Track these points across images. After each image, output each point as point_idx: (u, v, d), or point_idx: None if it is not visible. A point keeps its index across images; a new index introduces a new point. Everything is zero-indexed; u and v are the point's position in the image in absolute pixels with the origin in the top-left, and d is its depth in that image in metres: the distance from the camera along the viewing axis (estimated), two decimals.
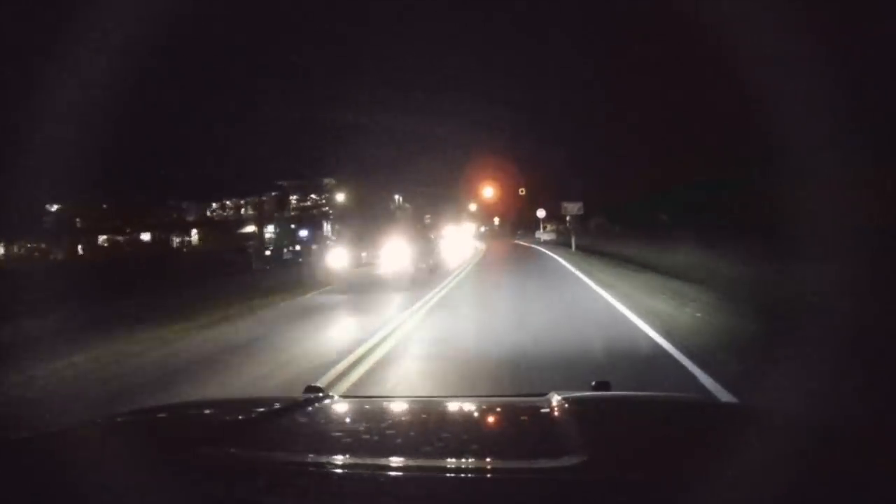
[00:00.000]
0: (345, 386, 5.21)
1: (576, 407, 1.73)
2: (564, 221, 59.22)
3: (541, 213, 43.88)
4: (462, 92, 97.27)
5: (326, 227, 67.84)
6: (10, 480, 1.20)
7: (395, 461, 1.30)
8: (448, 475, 1.22)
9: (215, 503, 1.11)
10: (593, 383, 2.11)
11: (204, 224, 61.95)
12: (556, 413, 1.68)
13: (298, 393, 2.18)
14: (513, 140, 65.70)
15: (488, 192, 62.08)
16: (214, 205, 64.35)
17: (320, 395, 2.10)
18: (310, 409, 1.88)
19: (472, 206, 73.71)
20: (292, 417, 1.81)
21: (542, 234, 44.78)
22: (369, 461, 1.30)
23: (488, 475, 1.23)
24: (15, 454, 1.39)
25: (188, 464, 1.27)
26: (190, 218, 62.75)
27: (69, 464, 1.28)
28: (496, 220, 74.09)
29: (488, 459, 1.34)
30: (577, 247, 25.90)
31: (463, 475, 1.22)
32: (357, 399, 2.71)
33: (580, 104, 38.70)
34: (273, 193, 66.16)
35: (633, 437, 1.52)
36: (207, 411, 2.09)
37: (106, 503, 1.09)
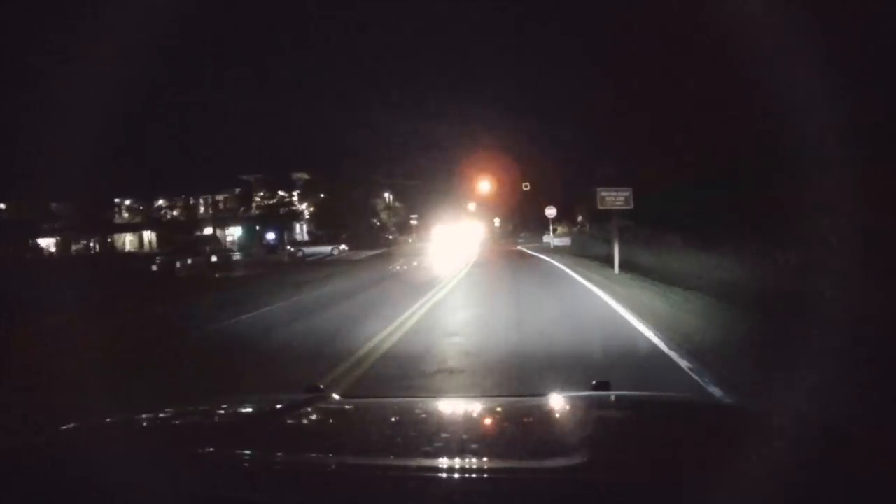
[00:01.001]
0: None
1: (576, 407, 1.72)
2: (575, 222, 49.71)
3: (550, 212, 34.20)
4: (458, 76, 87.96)
5: (297, 227, 59.10)
6: (11, 481, 1.20)
7: (395, 461, 1.30)
8: (448, 475, 1.19)
9: (216, 503, 1.10)
10: (594, 383, 2.07)
11: (149, 225, 52.67)
12: (556, 413, 1.68)
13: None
14: (514, 128, 56.41)
15: (486, 186, 52.72)
16: (165, 202, 54.87)
17: (320, 395, 2.08)
18: (309, 409, 1.88)
19: (471, 206, 64.17)
20: (292, 417, 1.80)
21: (553, 239, 34.62)
22: (369, 461, 1.29)
23: (489, 475, 1.20)
24: (15, 452, 1.38)
25: (188, 464, 1.25)
26: (129, 217, 53.61)
27: (70, 464, 1.26)
28: (496, 221, 64.22)
29: (489, 459, 1.31)
30: (622, 265, 15.50)
31: (463, 475, 1.19)
32: (357, 399, 2.57)
33: (588, 84, 31.34)
34: (236, 190, 56.75)
35: (633, 437, 1.52)
36: (208, 411, 1.99)
37: (106, 502, 1.10)
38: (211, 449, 1.35)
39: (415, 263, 24.95)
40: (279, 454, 1.35)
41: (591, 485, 1.09)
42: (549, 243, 33.95)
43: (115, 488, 1.09)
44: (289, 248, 41.49)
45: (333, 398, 2.12)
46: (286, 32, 77.28)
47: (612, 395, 2.06)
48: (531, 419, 1.72)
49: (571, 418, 1.61)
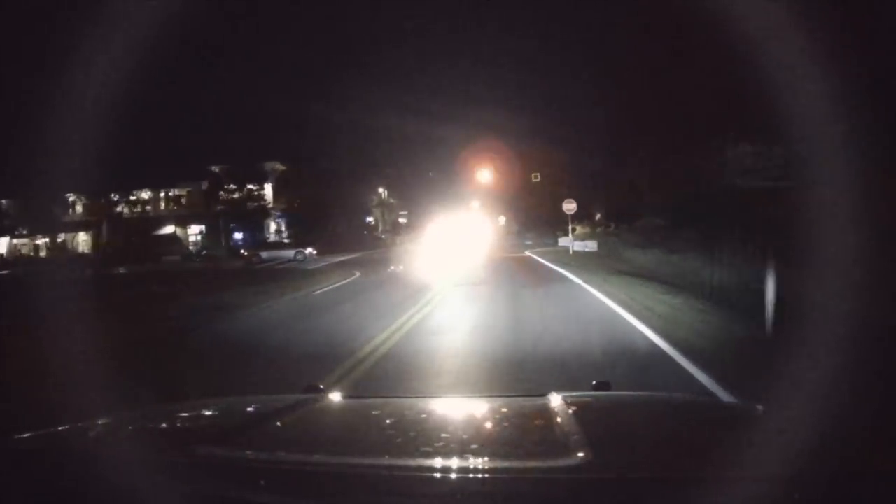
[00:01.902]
0: None
1: (576, 407, 1.69)
2: (594, 220, 41.60)
3: (569, 207, 26.43)
4: (457, 50, 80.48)
5: (272, 225, 51.52)
6: (10, 479, 1.19)
7: (395, 461, 1.29)
8: (448, 475, 1.17)
9: (215, 503, 1.10)
10: (594, 383, 2.09)
11: (103, 223, 45.19)
12: (556, 413, 1.64)
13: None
14: (520, 115, 48.98)
15: (489, 180, 45.17)
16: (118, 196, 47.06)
17: (320, 394, 2.06)
18: (309, 408, 1.86)
19: (474, 203, 56.40)
20: (292, 417, 1.77)
21: (573, 243, 26.67)
22: (369, 461, 1.28)
23: (488, 475, 1.18)
24: (15, 453, 1.37)
25: (188, 464, 1.24)
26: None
27: (69, 463, 1.26)
28: (501, 219, 56.35)
29: (488, 459, 1.30)
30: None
31: (463, 475, 1.17)
32: (357, 399, 2.47)
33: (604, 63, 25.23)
34: (203, 184, 49.07)
35: (633, 437, 1.51)
36: (207, 411, 2.00)
37: (106, 502, 1.09)
38: (210, 449, 1.31)
39: (373, 278, 17.74)
40: (279, 454, 1.34)
41: (591, 485, 1.09)
42: (568, 248, 26.14)
43: (115, 487, 1.09)
44: (242, 251, 34.29)
45: (333, 398, 2.10)
46: (276, 24, 70.42)
47: (612, 395, 2.09)
48: (531, 419, 1.72)
49: (571, 418, 1.54)
